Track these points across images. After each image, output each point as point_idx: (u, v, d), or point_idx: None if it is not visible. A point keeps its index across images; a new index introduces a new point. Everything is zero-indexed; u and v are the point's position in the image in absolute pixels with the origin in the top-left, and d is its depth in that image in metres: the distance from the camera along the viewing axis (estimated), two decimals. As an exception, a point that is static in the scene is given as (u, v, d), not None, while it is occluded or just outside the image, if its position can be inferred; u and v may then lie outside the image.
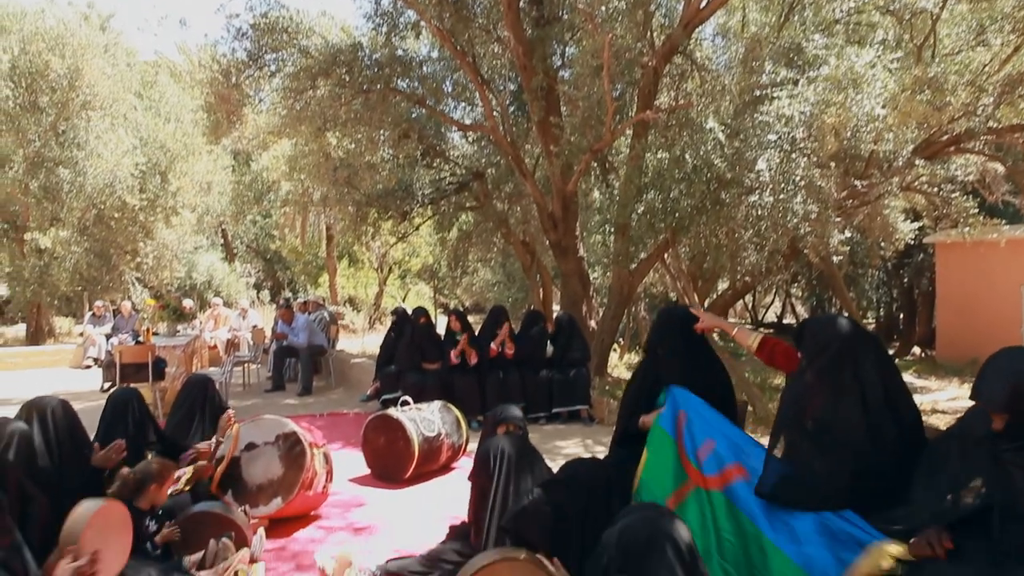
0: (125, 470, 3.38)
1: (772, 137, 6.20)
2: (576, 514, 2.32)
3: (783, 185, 6.16)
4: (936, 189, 8.25)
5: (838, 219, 7.07)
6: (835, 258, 8.95)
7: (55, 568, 2.30)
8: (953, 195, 8.00)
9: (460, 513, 3.90)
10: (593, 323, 8.91)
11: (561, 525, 2.40)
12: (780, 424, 2.77)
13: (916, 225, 10.60)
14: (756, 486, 2.65)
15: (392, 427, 5.14)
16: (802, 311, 22.15)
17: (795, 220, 6.19)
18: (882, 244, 10.24)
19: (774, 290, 19.95)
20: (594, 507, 2.28)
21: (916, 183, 8.35)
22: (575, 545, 2.23)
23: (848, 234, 8.27)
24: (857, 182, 7.21)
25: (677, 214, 6.70)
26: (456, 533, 3.52)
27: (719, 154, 6.39)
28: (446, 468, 5.53)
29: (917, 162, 6.85)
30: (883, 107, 6.02)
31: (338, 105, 8.38)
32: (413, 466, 5.06)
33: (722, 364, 3.55)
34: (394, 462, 5.15)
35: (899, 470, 2.48)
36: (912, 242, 10.83)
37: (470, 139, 10.92)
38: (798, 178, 6.15)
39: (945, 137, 7.20)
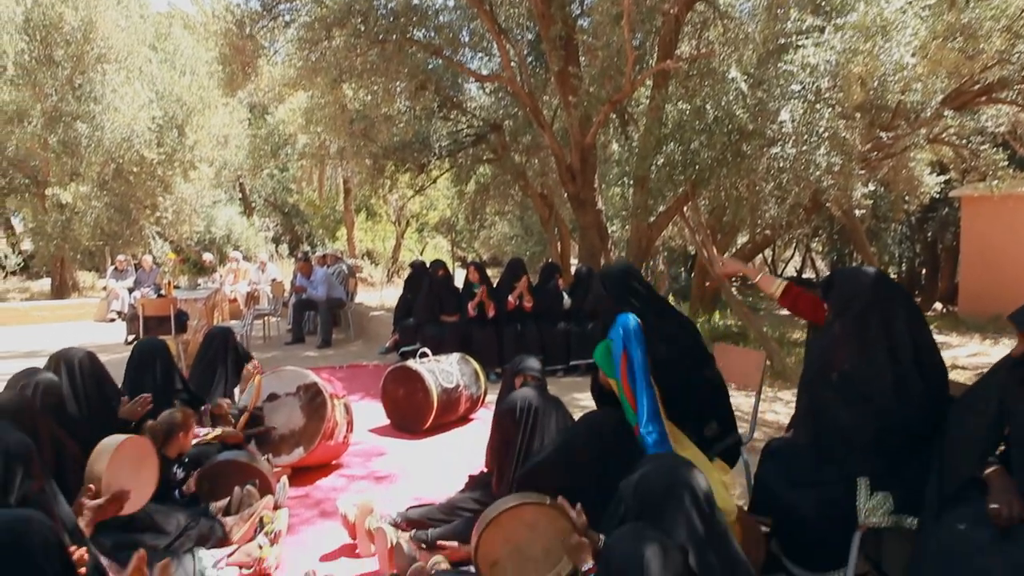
0: (150, 422, 3.46)
1: (796, 87, 6.04)
2: (592, 464, 2.34)
3: (806, 136, 6.03)
4: (964, 141, 8.05)
5: (862, 172, 6.93)
6: (857, 212, 8.83)
7: (82, 506, 2.37)
8: (982, 147, 7.80)
9: (479, 463, 3.97)
10: (611, 277, 8.89)
11: (577, 478, 2.42)
12: (806, 376, 2.76)
13: (942, 178, 10.39)
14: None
15: (411, 378, 5.20)
16: (822, 266, 21.95)
17: (818, 173, 6.07)
18: (906, 198, 10.06)
19: (794, 244, 19.74)
20: (610, 458, 2.30)
21: (944, 135, 8.15)
22: (591, 496, 2.25)
23: (872, 187, 8.12)
24: (883, 134, 7.04)
25: (697, 166, 6.59)
26: (475, 483, 3.57)
27: (741, 105, 6.25)
28: (464, 419, 5.60)
29: (946, 113, 6.67)
30: (913, 55, 5.82)
31: (354, 56, 8.25)
32: (432, 417, 5.13)
33: (681, 321, 3.37)
34: (413, 413, 5.22)
35: (924, 425, 2.47)
36: (937, 196, 10.63)
37: (487, 90, 10.77)
38: (822, 129, 6.00)
39: (976, 87, 6.99)
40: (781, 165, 6.22)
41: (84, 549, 2.11)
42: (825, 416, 2.60)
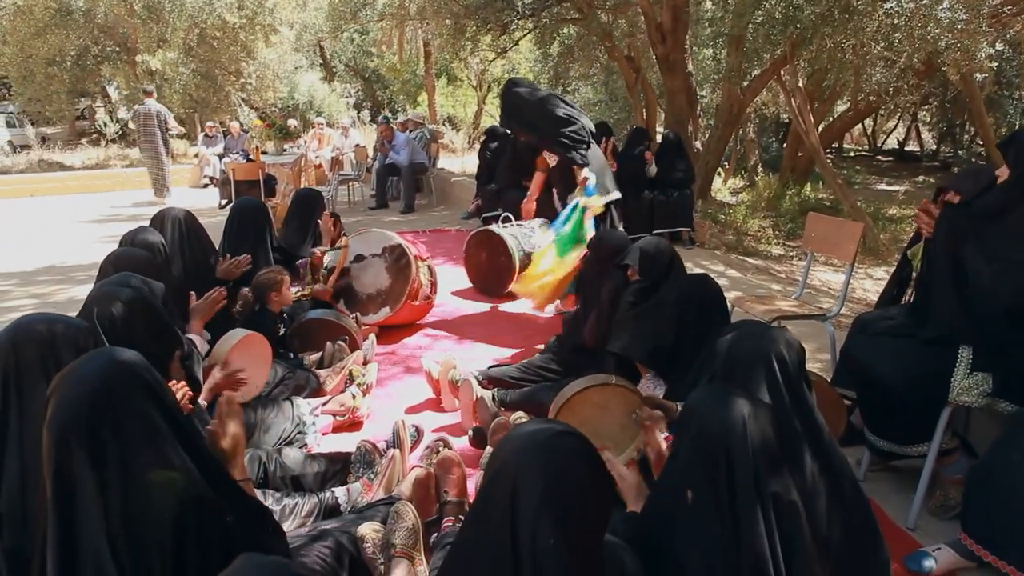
0: (245, 290, 3.63)
1: (921, -71, 5.40)
2: (685, 326, 2.31)
3: (928, -12, 5.44)
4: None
5: (989, 29, 6.24)
6: (978, 76, 8.03)
7: (206, 372, 2.55)
8: None
9: (557, 327, 4.04)
10: (699, 144, 8.54)
11: (668, 341, 2.40)
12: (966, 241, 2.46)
13: (1083, 36, 9.27)
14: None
15: (494, 242, 5.24)
16: (928, 138, 20.40)
17: (937, 31, 5.51)
18: (1037, 60, 9.08)
19: (899, 114, 18.27)
20: (702, 322, 2.27)
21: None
22: (684, 358, 2.23)
23: (999, 48, 7.35)
24: (1020, -17, 6.26)
25: (799, 24, 6.07)
26: (553, 346, 3.65)
27: (855, -48, 5.65)
28: (545, 285, 5.65)
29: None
30: None
31: (433, -95, 7.83)
32: (514, 280, 5.19)
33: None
34: (495, 276, 5.29)
35: None
36: (1075, 57, 9.56)
37: (573, -58, 10.07)
38: (947, -21, 5.40)
39: None
40: (895, 22, 5.66)
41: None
42: (980, 282, 2.34)
